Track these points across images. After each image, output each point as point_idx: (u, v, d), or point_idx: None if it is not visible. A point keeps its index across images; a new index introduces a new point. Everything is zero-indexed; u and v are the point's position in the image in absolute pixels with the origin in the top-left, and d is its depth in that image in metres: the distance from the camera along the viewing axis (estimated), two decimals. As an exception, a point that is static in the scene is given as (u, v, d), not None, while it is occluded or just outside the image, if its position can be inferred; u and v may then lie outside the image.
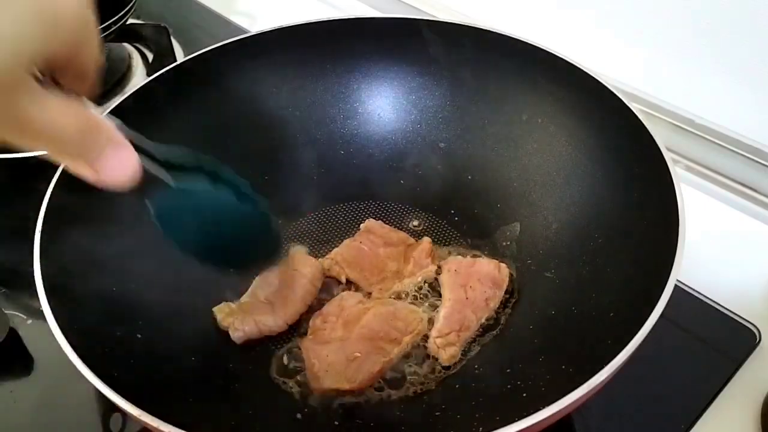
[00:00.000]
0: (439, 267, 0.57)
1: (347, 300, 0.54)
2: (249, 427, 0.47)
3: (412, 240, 0.60)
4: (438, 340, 0.51)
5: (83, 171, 0.32)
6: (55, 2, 0.28)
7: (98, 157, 0.32)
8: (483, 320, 0.53)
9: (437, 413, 0.48)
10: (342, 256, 0.58)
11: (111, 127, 0.32)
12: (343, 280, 0.57)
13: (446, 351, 0.51)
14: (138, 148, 0.35)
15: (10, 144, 0.29)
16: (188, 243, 0.45)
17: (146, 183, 0.36)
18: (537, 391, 0.43)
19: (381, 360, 0.50)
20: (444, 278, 0.56)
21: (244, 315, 0.53)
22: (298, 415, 0.49)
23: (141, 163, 0.34)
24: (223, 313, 0.54)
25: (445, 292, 0.55)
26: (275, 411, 0.49)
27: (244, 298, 0.56)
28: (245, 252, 0.49)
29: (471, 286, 0.54)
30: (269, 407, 0.49)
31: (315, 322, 0.53)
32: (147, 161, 0.36)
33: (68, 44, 0.29)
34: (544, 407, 0.35)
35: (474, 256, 0.59)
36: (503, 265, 0.56)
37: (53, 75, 0.31)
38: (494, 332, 0.53)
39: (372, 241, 0.59)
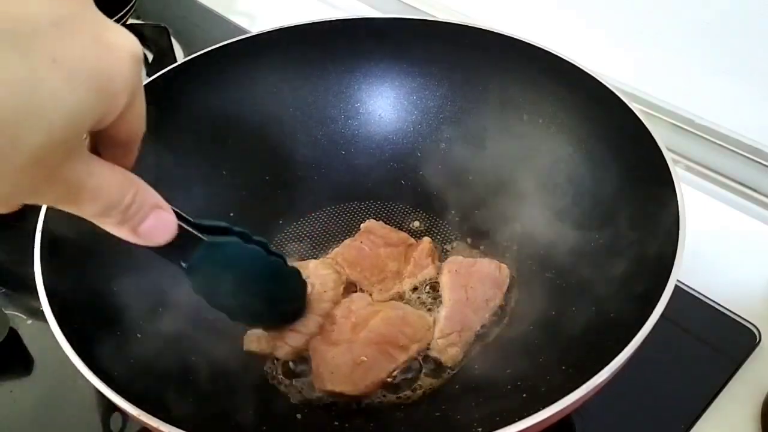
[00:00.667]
0: (440, 267, 0.57)
1: (356, 302, 0.54)
2: (249, 427, 0.47)
3: (412, 240, 0.60)
4: (440, 341, 0.51)
5: (123, 233, 0.33)
6: (111, 70, 0.27)
7: (142, 221, 0.32)
8: (484, 320, 0.53)
9: (437, 413, 0.48)
10: (342, 256, 0.58)
11: (154, 192, 0.33)
12: (344, 280, 0.57)
13: (448, 351, 0.51)
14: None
15: (57, 206, 0.29)
16: (220, 299, 0.45)
17: (178, 244, 0.36)
18: (537, 391, 0.43)
19: (388, 367, 0.49)
20: (444, 279, 0.56)
21: (275, 339, 0.52)
22: (299, 416, 0.49)
23: (177, 224, 0.35)
24: (254, 343, 0.53)
25: (446, 292, 0.55)
26: (276, 411, 0.49)
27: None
28: (274, 306, 0.50)
29: (471, 286, 0.54)
30: (270, 407, 0.49)
31: (324, 323, 0.53)
32: (181, 222, 0.37)
33: (118, 113, 0.29)
34: (544, 407, 0.35)
35: (475, 256, 0.59)
36: (504, 265, 0.56)
37: (96, 144, 0.31)
38: (494, 332, 0.53)
39: (372, 241, 0.59)
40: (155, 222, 0.33)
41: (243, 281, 0.45)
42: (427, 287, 0.57)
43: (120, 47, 0.27)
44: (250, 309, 0.48)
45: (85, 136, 0.28)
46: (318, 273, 0.55)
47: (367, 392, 0.49)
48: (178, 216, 0.36)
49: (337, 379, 0.48)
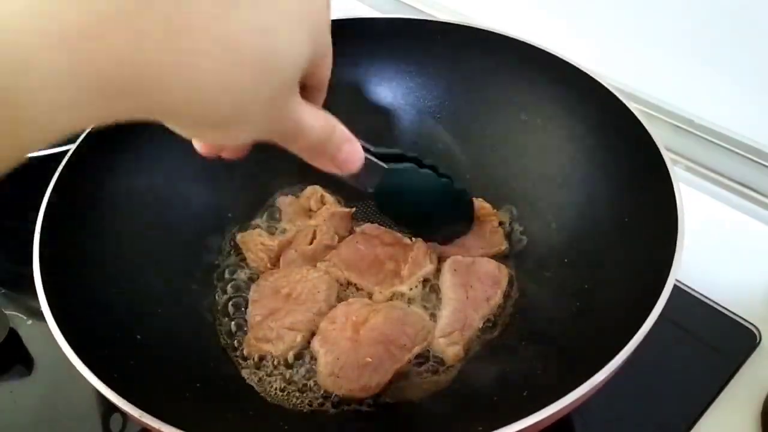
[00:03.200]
0: (439, 266, 0.57)
1: (353, 304, 0.54)
2: (250, 427, 0.47)
3: (407, 240, 0.59)
4: (441, 340, 0.51)
5: (324, 164, 0.38)
6: (320, 15, 0.31)
7: (338, 152, 0.38)
8: (484, 319, 0.53)
9: (437, 413, 0.48)
10: (339, 257, 0.58)
11: (343, 126, 0.38)
12: (343, 282, 0.57)
13: (450, 350, 0.51)
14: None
15: (281, 142, 0.34)
16: (402, 216, 0.57)
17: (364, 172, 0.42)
18: (537, 390, 0.43)
19: (393, 368, 0.49)
20: (444, 278, 0.56)
21: (272, 339, 0.52)
22: (299, 416, 0.49)
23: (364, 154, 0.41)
24: (253, 347, 0.53)
25: (447, 291, 0.55)
26: (276, 411, 0.49)
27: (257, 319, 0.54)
28: (446, 219, 0.58)
29: (472, 285, 0.54)
30: (270, 407, 0.49)
31: (323, 324, 0.53)
32: (366, 153, 0.43)
33: (322, 54, 0.34)
34: (544, 407, 0.35)
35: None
36: (503, 265, 0.56)
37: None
38: (495, 332, 0.53)
39: (368, 241, 0.59)
40: (349, 152, 0.38)
41: (419, 200, 0.53)
42: (427, 287, 0.57)
43: None
44: (426, 222, 0.57)
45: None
46: (309, 276, 0.56)
47: (374, 393, 0.49)
48: (363, 148, 0.41)
49: (344, 384, 0.48)
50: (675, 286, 0.40)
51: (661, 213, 0.45)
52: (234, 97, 0.27)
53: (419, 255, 0.57)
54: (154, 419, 0.35)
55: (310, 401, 0.49)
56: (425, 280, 0.57)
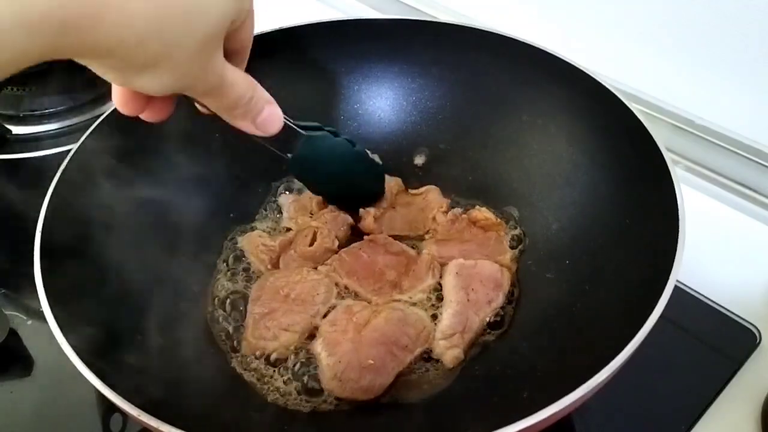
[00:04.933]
0: (442, 270, 0.57)
1: (354, 306, 0.54)
2: (250, 427, 0.47)
3: (413, 252, 0.59)
4: (442, 342, 0.51)
5: (246, 125, 0.41)
6: None
7: (259, 113, 0.41)
8: (486, 321, 0.53)
9: (438, 413, 0.48)
10: (339, 262, 0.57)
11: (264, 90, 0.41)
12: (342, 287, 0.56)
13: (450, 353, 0.51)
14: None
15: (203, 98, 0.37)
16: (317, 184, 0.58)
17: (283, 138, 0.46)
18: (537, 390, 0.43)
19: (395, 370, 0.49)
20: (446, 280, 0.55)
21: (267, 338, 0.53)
22: (299, 416, 0.49)
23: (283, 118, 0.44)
24: (249, 346, 0.53)
25: (448, 294, 0.54)
26: (276, 411, 0.49)
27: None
28: (360, 188, 0.61)
29: (473, 288, 0.54)
30: (270, 407, 0.49)
31: (324, 327, 0.53)
32: (286, 118, 0.46)
33: (244, 17, 0.37)
34: (544, 407, 0.35)
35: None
36: (504, 267, 0.56)
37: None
38: (495, 333, 0.53)
39: (373, 249, 0.58)
40: (269, 114, 0.42)
41: (335, 167, 0.55)
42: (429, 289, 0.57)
43: None
44: (341, 191, 0.60)
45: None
46: (308, 278, 0.56)
47: (375, 396, 0.49)
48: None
49: (347, 386, 0.48)
50: (675, 286, 0.40)
51: (662, 213, 0.45)
52: (162, 39, 0.31)
53: (421, 268, 0.57)
54: (154, 419, 0.35)
55: (310, 401, 0.49)
56: (426, 293, 0.56)
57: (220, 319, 0.55)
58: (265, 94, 0.41)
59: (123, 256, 0.51)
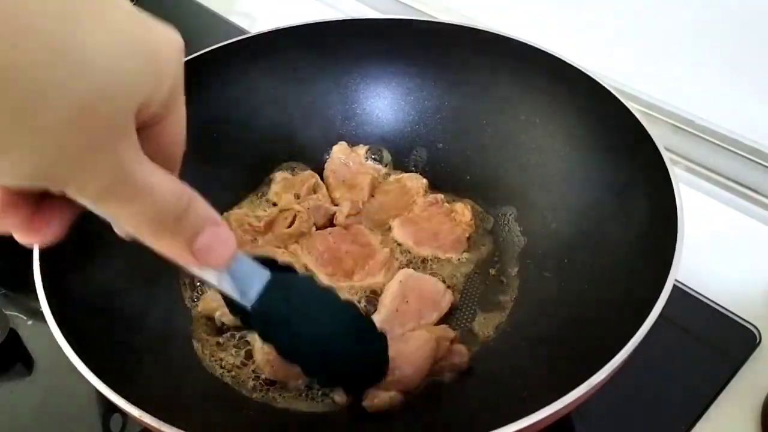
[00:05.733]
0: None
1: None
2: (251, 427, 0.47)
3: (378, 248, 0.58)
4: None
5: (177, 251, 0.28)
6: (157, 44, 0.25)
7: (197, 236, 0.28)
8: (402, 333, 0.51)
9: (437, 413, 0.48)
10: (307, 243, 0.58)
11: (210, 206, 0.28)
12: (301, 264, 0.57)
13: None
14: None
15: (103, 202, 0.25)
16: (292, 347, 0.39)
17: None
18: (537, 390, 0.43)
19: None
20: (390, 285, 0.55)
21: None
22: (302, 417, 0.49)
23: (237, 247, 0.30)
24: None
25: (384, 297, 0.54)
26: (277, 411, 0.49)
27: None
28: (354, 359, 0.43)
29: (407, 300, 0.53)
30: (270, 407, 0.49)
31: None
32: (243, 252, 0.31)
33: (166, 97, 0.26)
34: (544, 407, 0.35)
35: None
36: (449, 291, 0.55)
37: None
38: (495, 333, 0.53)
39: (340, 236, 0.59)
40: (212, 237, 0.28)
41: (316, 323, 0.39)
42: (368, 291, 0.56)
43: (165, 32, 0.26)
44: (323, 358, 0.41)
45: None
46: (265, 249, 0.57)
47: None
48: None
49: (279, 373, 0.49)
50: (675, 286, 0.40)
51: (661, 213, 0.45)
52: (8, 98, 0.20)
53: (375, 265, 0.57)
54: (154, 419, 0.35)
55: (317, 403, 0.49)
56: (370, 290, 0.56)
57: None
58: (210, 211, 0.28)
59: (123, 256, 0.51)
